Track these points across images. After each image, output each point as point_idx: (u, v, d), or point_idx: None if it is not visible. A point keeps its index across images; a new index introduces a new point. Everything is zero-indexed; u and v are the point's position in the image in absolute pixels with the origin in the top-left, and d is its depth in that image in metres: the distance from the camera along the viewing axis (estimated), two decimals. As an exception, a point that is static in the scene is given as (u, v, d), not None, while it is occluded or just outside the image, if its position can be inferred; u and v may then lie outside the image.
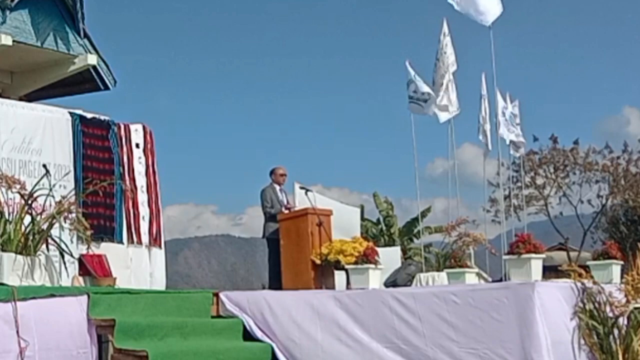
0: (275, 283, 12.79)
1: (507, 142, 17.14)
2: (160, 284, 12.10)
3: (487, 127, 16.49)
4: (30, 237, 9.25)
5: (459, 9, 15.33)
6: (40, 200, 9.59)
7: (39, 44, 14.88)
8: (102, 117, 11.93)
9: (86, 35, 15.55)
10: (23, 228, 9.26)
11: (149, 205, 12.19)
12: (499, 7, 15.87)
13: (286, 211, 13.32)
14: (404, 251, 24.75)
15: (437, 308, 9.42)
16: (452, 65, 15.02)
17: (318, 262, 12.25)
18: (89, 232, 9.75)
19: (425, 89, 14.60)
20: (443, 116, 14.90)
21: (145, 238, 12.03)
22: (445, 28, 15.11)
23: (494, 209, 30.78)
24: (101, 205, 11.41)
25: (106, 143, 11.77)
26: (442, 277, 11.72)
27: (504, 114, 16.99)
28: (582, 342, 9.31)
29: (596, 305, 9.47)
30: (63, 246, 9.78)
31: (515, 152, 17.88)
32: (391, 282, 12.22)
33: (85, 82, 16.27)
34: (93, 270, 10.81)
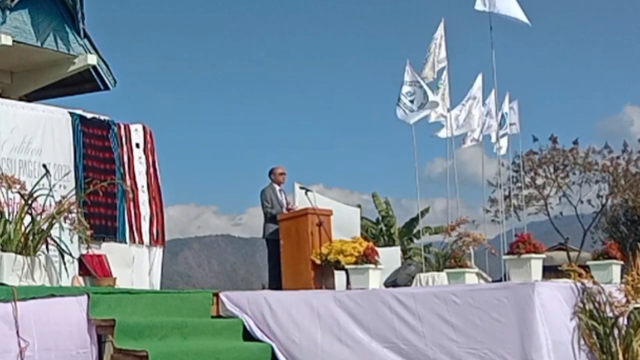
0: (275, 283, 12.78)
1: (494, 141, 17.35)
2: (155, 283, 12.08)
3: (480, 125, 16.58)
4: (30, 237, 9.23)
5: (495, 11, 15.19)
6: (40, 200, 9.57)
7: (39, 44, 14.89)
8: (102, 117, 11.94)
9: (86, 35, 15.55)
10: (23, 228, 9.24)
11: (150, 205, 12.19)
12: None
13: (286, 211, 13.31)
14: (404, 251, 24.78)
15: (437, 308, 9.40)
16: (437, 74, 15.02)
17: (318, 262, 12.23)
18: (89, 232, 9.74)
19: (421, 99, 14.24)
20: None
21: (146, 237, 12.04)
22: (441, 30, 15.07)
23: (493, 209, 30.82)
24: (102, 205, 11.42)
25: (106, 143, 11.77)
26: (442, 277, 11.72)
27: (504, 116, 17.07)
28: (582, 342, 9.29)
29: (596, 305, 9.45)
30: (63, 246, 9.76)
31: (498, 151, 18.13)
32: (391, 282, 12.21)
33: (85, 82, 16.28)
34: (93, 270, 10.81)
